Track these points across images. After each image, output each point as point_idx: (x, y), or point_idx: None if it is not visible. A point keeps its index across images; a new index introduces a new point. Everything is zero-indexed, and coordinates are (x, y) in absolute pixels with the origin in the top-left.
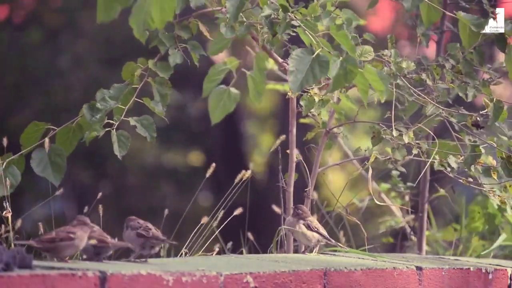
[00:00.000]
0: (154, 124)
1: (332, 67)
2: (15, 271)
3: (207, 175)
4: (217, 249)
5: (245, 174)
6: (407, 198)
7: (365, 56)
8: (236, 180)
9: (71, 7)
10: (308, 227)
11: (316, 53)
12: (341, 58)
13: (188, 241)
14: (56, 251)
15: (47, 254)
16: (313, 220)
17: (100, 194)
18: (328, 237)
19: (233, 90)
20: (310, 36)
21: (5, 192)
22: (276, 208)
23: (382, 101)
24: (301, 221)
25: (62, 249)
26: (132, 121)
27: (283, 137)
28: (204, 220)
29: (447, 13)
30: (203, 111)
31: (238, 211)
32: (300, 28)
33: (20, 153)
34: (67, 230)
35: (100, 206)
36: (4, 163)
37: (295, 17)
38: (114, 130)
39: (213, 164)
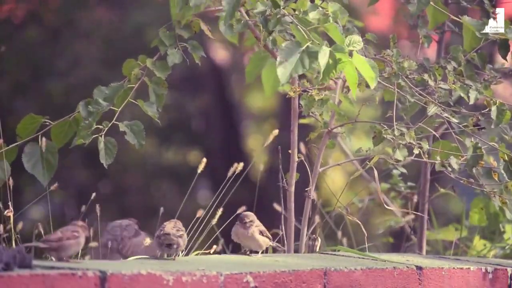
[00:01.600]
0: (143, 131)
1: (320, 55)
2: (15, 271)
3: (199, 171)
4: (216, 248)
5: (238, 167)
6: (407, 198)
7: (354, 46)
8: (229, 174)
9: (71, 6)
10: (261, 233)
11: (305, 46)
12: (330, 48)
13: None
14: (62, 250)
15: (53, 254)
16: (261, 225)
17: (94, 194)
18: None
19: None
20: (302, 30)
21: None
22: (277, 207)
23: (372, 87)
24: (255, 228)
25: (68, 248)
26: (122, 126)
27: (275, 131)
28: (199, 213)
29: (455, 18)
30: (203, 111)
31: (241, 209)
32: (292, 25)
33: (15, 144)
34: (72, 229)
35: (97, 206)
36: None
37: (286, 12)
38: (102, 137)
39: (204, 159)
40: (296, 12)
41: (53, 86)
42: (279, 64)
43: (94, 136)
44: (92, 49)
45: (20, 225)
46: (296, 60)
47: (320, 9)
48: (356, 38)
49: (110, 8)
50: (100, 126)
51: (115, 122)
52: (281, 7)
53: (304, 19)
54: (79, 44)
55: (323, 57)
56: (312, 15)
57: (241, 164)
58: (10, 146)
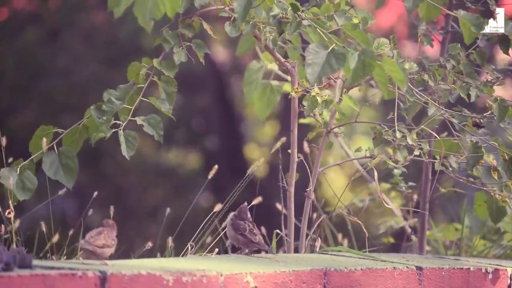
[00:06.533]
0: (161, 123)
1: (351, 60)
2: (15, 271)
3: (209, 176)
4: (217, 249)
5: (257, 165)
6: (408, 197)
7: (382, 49)
8: (249, 171)
9: (71, 7)
10: (234, 229)
11: (331, 48)
12: (358, 51)
13: (192, 239)
14: (101, 256)
15: (92, 257)
16: (241, 223)
17: (95, 193)
18: (253, 241)
19: (274, 83)
20: (322, 34)
21: (27, 195)
22: (279, 207)
23: (404, 89)
24: (231, 222)
25: (106, 254)
26: (139, 120)
27: (283, 139)
28: (218, 207)
29: (451, 13)
30: (203, 112)
31: (256, 200)
32: (309, 28)
33: (30, 158)
34: (112, 237)
35: (112, 207)
36: (18, 169)
37: (305, 16)
38: (122, 130)
39: (216, 166)
40: (321, 17)
41: (53, 86)
42: (308, 66)
43: (114, 130)
44: (92, 49)
45: (17, 223)
46: (323, 62)
47: (348, 15)
48: (384, 40)
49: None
50: (118, 122)
51: (130, 118)
52: (301, 11)
53: (322, 22)
54: (79, 44)
55: (353, 61)
56: (341, 22)
57: (261, 160)
58: (26, 161)
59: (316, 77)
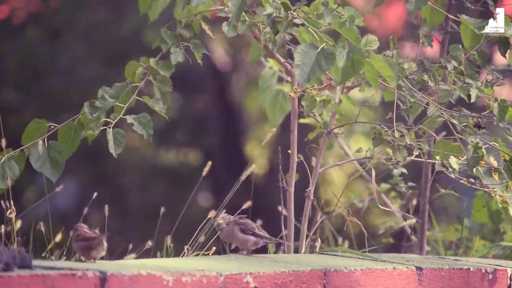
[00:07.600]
0: (151, 122)
1: (339, 58)
2: (15, 271)
3: (204, 173)
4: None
5: (250, 169)
6: (408, 198)
7: (370, 46)
8: (243, 177)
9: (72, 6)
10: (242, 231)
11: (321, 47)
12: (346, 49)
13: (192, 240)
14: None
15: (94, 254)
16: (249, 223)
17: (95, 194)
18: (267, 236)
19: (286, 90)
20: (313, 33)
21: (6, 185)
22: (280, 208)
23: (392, 85)
24: (236, 226)
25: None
26: (129, 118)
27: (273, 130)
28: (212, 214)
29: (450, 16)
30: (203, 112)
31: (247, 204)
32: (302, 27)
33: (20, 148)
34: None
35: (106, 207)
36: (4, 158)
37: (297, 15)
38: (111, 128)
39: (209, 163)
40: (310, 16)
41: (54, 85)
42: (297, 67)
43: (102, 128)
44: (92, 48)
45: (18, 224)
46: (312, 62)
47: (336, 13)
48: (372, 37)
49: (109, 9)
50: (108, 119)
51: (122, 116)
52: (292, 10)
53: (314, 21)
54: (79, 44)
55: (342, 60)
56: (329, 19)
57: (253, 166)
58: (16, 151)
59: (306, 77)
